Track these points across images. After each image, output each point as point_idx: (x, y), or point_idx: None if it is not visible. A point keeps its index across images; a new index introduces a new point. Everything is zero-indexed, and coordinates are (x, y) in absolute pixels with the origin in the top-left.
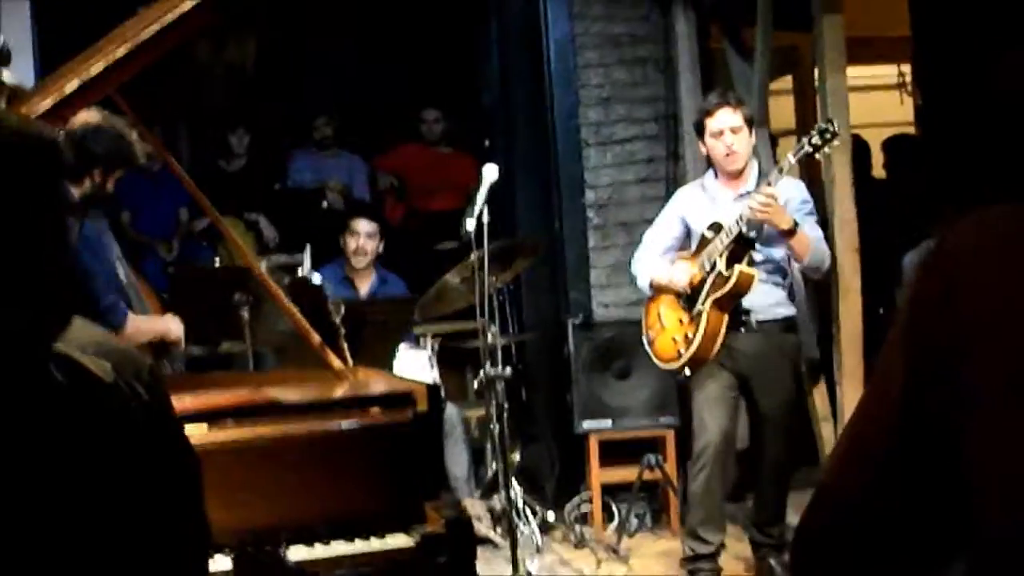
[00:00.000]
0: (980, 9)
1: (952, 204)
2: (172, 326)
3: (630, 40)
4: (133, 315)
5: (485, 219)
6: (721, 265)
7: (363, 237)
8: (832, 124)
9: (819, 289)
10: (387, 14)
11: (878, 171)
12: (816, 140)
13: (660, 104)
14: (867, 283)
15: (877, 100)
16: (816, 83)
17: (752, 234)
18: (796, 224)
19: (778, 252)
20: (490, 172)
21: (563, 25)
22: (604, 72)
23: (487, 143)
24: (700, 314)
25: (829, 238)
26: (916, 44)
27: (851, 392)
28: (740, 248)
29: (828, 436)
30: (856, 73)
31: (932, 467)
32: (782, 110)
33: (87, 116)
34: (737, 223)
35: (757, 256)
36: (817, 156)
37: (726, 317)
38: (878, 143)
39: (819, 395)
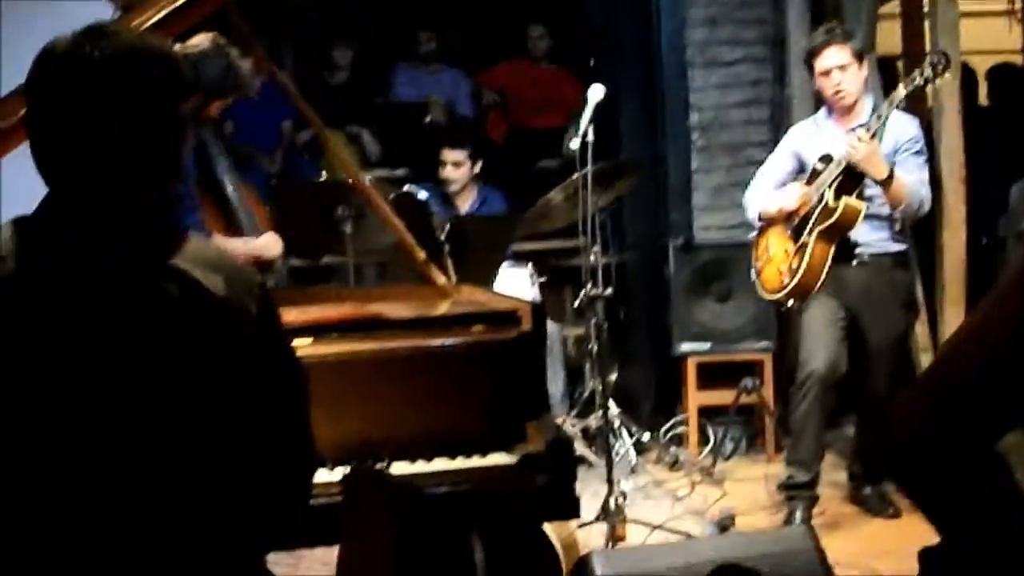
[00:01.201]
0: None
1: None
2: (267, 247)
3: None
4: (220, 237)
5: (590, 139)
6: (829, 196)
7: (449, 167)
8: (945, 56)
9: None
10: None
11: (984, 99)
12: (928, 73)
13: (767, 26)
14: (972, 213)
15: (986, 27)
16: (926, 8)
17: None
18: (891, 173)
19: None
20: (596, 92)
21: None
22: None
23: (592, 62)
24: (805, 246)
25: (935, 167)
26: None
27: (953, 322)
28: (849, 180)
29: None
30: None
31: None
32: (889, 35)
33: (202, 39)
34: (843, 155)
35: (868, 190)
36: (928, 89)
37: (831, 249)
38: (985, 70)
39: (920, 325)
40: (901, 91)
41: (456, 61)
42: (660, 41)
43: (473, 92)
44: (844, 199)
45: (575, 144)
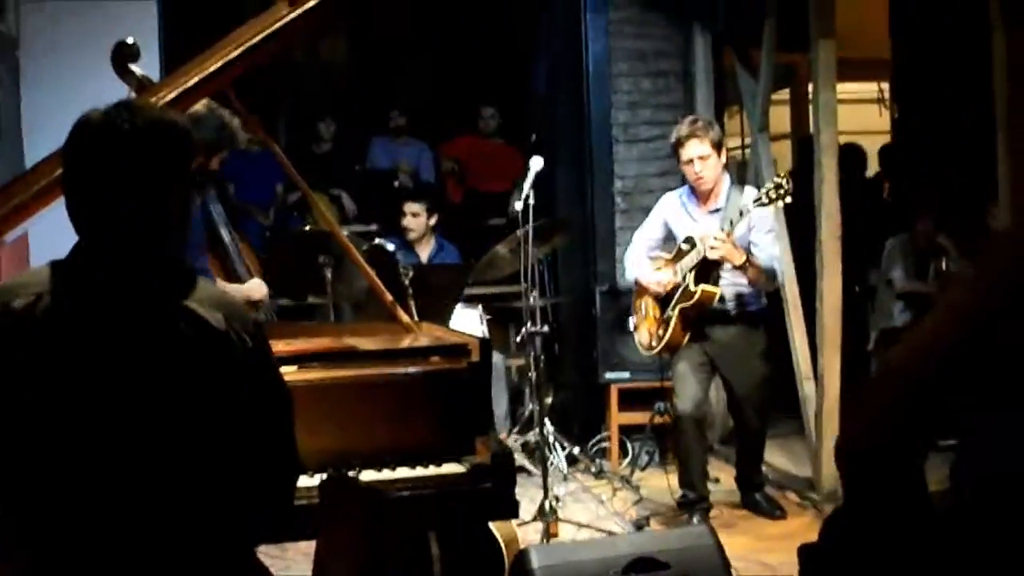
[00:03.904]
0: (948, 44)
1: (922, 199)
2: (255, 290)
3: (656, 56)
4: (220, 281)
5: (531, 201)
6: (690, 280)
7: (409, 217)
8: (787, 181)
9: (805, 268)
10: (454, 28)
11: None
12: (772, 194)
13: (679, 110)
14: (846, 266)
15: (860, 111)
16: (810, 96)
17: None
18: (747, 260)
19: None
20: (536, 163)
21: (601, 41)
22: (633, 81)
23: (533, 137)
24: (669, 319)
25: (816, 229)
26: (895, 67)
27: (831, 356)
28: (706, 267)
29: (810, 393)
30: (843, 88)
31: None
32: (780, 117)
33: (195, 105)
34: (704, 248)
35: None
36: (772, 207)
37: (690, 324)
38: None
39: (803, 358)
40: (749, 206)
41: (421, 134)
42: (590, 121)
43: (435, 161)
44: (702, 286)
45: (519, 205)
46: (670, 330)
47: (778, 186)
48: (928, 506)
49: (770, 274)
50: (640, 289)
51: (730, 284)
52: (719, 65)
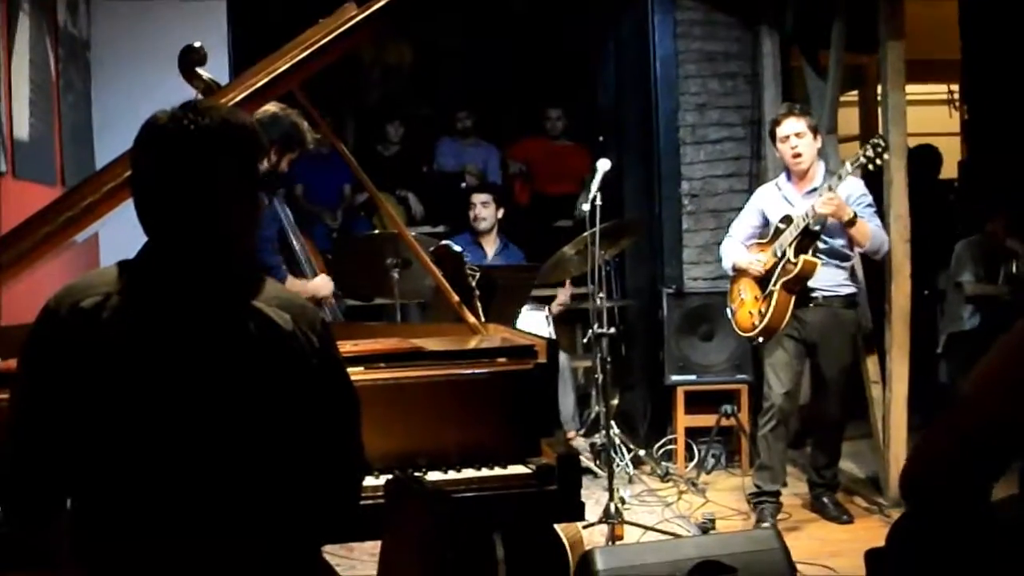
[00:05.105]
0: (1018, 44)
1: (993, 202)
2: (322, 287)
3: (724, 57)
4: (291, 278)
5: (598, 203)
6: (790, 254)
7: (478, 206)
8: (884, 140)
9: (874, 272)
10: (522, 29)
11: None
12: (870, 153)
13: (747, 111)
14: (915, 269)
15: (929, 113)
16: (879, 97)
17: (816, 228)
18: (855, 216)
19: (839, 240)
20: (603, 164)
21: (668, 43)
22: (701, 83)
23: (600, 139)
24: (771, 294)
25: (884, 230)
26: (965, 68)
27: (899, 359)
28: (806, 240)
29: (877, 396)
30: (912, 89)
31: None
32: (848, 119)
33: (266, 106)
34: (804, 218)
35: (822, 244)
36: (870, 167)
37: (793, 297)
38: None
39: (871, 361)
40: (848, 166)
41: (488, 136)
42: (658, 122)
43: (502, 163)
44: (802, 257)
45: (586, 207)
46: (772, 305)
47: (875, 145)
48: (993, 521)
49: (877, 240)
50: (737, 275)
51: (824, 264)
52: (787, 66)
